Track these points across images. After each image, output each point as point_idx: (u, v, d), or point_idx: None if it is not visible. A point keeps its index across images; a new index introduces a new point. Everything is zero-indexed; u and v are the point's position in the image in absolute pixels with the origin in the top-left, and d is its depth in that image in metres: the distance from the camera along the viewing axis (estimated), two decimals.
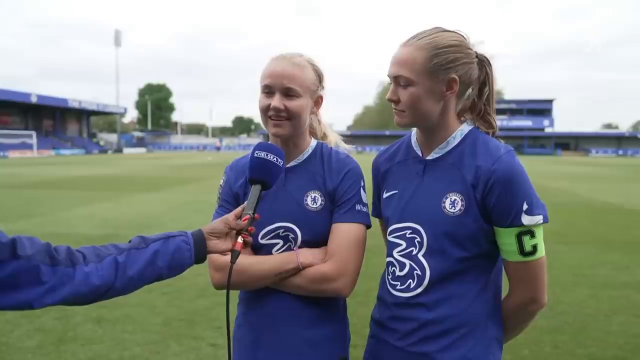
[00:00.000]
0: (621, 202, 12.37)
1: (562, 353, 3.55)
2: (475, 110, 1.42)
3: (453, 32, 1.34)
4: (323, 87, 1.53)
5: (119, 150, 65.29)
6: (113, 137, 75.62)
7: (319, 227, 1.45)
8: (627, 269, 5.93)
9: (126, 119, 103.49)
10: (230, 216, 1.27)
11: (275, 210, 1.47)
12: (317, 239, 1.46)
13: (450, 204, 1.31)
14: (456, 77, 1.32)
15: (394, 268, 1.41)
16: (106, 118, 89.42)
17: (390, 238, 1.43)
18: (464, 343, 1.31)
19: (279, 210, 1.47)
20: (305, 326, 1.44)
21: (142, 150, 72.23)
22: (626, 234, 8.13)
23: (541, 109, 78.97)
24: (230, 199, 1.54)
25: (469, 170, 1.30)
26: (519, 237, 1.26)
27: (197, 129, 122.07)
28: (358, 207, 1.46)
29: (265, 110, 1.45)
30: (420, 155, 1.42)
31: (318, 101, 1.53)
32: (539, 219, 1.25)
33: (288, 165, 1.51)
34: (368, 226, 1.48)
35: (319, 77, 1.51)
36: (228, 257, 1.39)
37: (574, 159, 55.91)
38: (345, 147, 1.66)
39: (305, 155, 1.52)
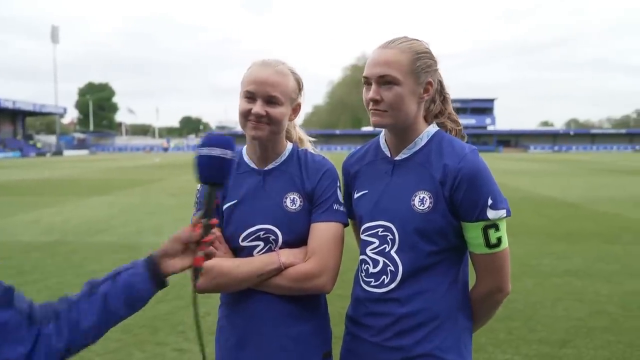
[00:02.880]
0: (560, 196, 13.18)
1: (515, 338, 3.77)
2: (444, 113, 1.51)
3: (421, 41, 1.44)
4: (301, 95, 1.58)
5: (58, 152, 62.09)
6: (52, 139, 71.80)
7: (299, 227, 1.49)
8: (568, 258, 6.34)
9: (66, 120, 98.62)
10: (182, 230, 1.16)
11: (255, 212, 1.49)
12: (298, 239, 1.50)
13: (419, 202, 1.38)
14: (432, 81, 1.42)
15: (367, 265, 1.46)
16: (44, 119, 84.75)
17: (363, 236, 1.48)
18: (437, 335, 1.37)
19: (259, 212, 1.49)
20: (289, 324, 1.47)
21: (84, 152, 69.12)
22: (566, 225, 8.68)
23: (484, 107, 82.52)
24: None
25: (436, 168, 1.37)
26: (485, 230, 1.34)
27: (143, 130, 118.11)
28: (335, 206, 1.50)
29: (245, 115, 1.47)
30: (389, 155, 1.48)
31: (296, 108, 1.58)
32: (502, 213, 1.34)
33: (266, 168, 1.54)
34: (345, 224, 1.53)
35: (299, 86, 1.56)
36: (209, 262, 1.36)
37: (514, 155, 58.81)
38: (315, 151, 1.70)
39: (283, 158, 1.56)
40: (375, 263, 1.43)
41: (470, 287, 1.49)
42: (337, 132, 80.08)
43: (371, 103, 1.39)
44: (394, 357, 1.38)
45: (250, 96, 1.47)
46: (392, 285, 1.39)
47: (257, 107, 1.44)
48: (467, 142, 1.47)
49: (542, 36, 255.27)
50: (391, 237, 1.40)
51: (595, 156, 51.55)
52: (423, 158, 1.41)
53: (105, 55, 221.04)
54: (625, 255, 6.44)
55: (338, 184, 1.54)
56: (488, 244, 1.35)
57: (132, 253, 6.61)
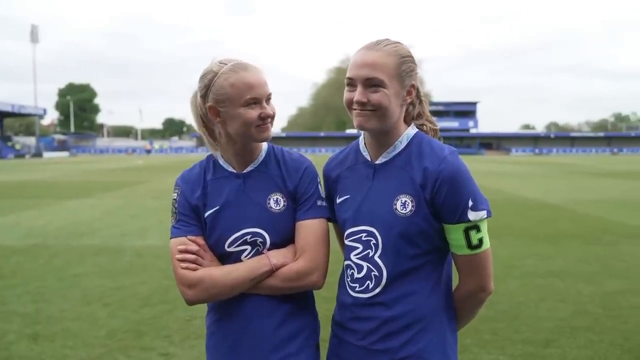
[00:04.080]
0: (542, 198, 13.39)
1: (500, 339, 3.81)
2: (422, 115, 1.53)
3: (403, 44, 1.44)
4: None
5: (38, 154, 60.94)
6: (31, 141, 70.35)
7: (285, 227, 1.49)
8: (550, 259, 6.44)
9: (46, 121, 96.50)
10: None
11: (240, 217, 1.48)
12: (284, 239, 1.49)
13: (401, 205, 1.38)
14: (415, 84, 1.43)
15: (352, 271, 1.46)
16: (23, 120, 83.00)
17: (347, 242, 1.48)
18: (422, 336, 1.38)
19: (244, 216, 1.48)
20: (281, 322, 1.47)
21: (64, 154, 67.93)
22: (548, 227, 8.82)
23: (466, 110, 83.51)
24: (189, 212, 1.50)
25: (417, 171, 1.37)
26: (466, 232, 1.35)
27: (125, 132, 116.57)
28: (319, 202, 1.51)
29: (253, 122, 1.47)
30: (370, 159, 1.48)
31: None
32: (483, 214, 1.35)
33: (245, 171, 1.52)
34: (329, 218, 1.54)
35: None
36: (199, 273, 1.42)
37: (496, 157, 59.58)
38: None
39: (261, 159, 1.54)
40: (360, 268, 1.43)
41: (453, 288, 1.50)
42: (322, 134, 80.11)
43: (355, 104, 1.38)
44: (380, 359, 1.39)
45: (255, 102, 1.45)
46: (377, 290, 1.40)
47: (268, 110, 1.47)
48: (445, 144, 1.48)
49: (522, 41, 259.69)
50: (374, 241, 1.41)
51: (575, 159, 52.53)
52: (403, 161, 1.41)
53: (86, 55, 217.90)
54: (606, 256, 6.57)
55: (318, 180, 1.55)
56: (470, 245, 1.37)
57: (116, 256, 6.52)
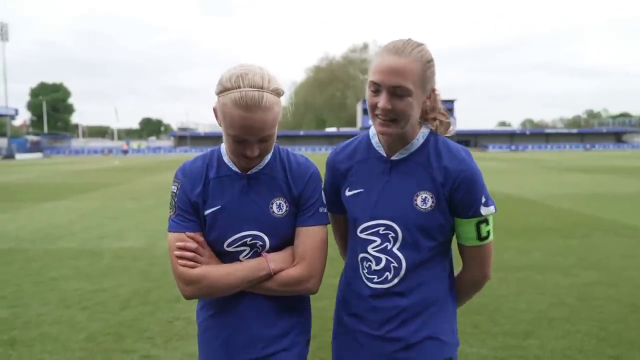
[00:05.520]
0: (517, 193, 13.64)
1: (481, 332, 3.88)
2: (435, 109, 1.54)
3: (425, 45, 1.43)
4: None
5: (10, 155, 59.28)
6: (2, 142, 68.41)
7: (285, 231, 1.50)
8: (528, 253, 6.58)
9: (18, 122, 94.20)
10: None
11: (242, 219, 1.47)
12: (284, 243, 1.51)
13: (422, 201, 1.46)
14: (435, 88, 1.48)
15: (369, 263, 1.50)
16: None
17: (362, 235, 1.51)
18: (433, 321, 1.48)
19: (246, 219, 1.47)
20: (275, 318, 1.49)
21: (38, 155, 66.33)
22: (525, 221, 9.00)
23: (445, 108, 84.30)
24: (188, 208, 1.48)
25: (437, 170, 1.45)
26: (478, 225, 1.47)
27: (101, 132, 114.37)
28: (321, 209, 1.52)
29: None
30: (385, 155, 1.51)
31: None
32: (492, 209, 1.48)
33: (250, 172, 1.50)
34: (328, 223, 1.56)
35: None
36: (198, 271, 1.43)
37: (474, 154, 59.56)
38: None
39: (266, 161, 1.51)
40: (378, 260, 1.49)
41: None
42: (301, 133, 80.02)
43: (379, 110, 1.38)
44: (395, 347, 1.47)
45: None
46: (396, 280, 1.47)
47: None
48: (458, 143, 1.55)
49: (495, 40, 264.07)
50: (393, 235, 1.47)
51: (550, 155, 53.69)
52: (421, 159, 1.48)
53: (59, 54, 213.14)
54: (581, 249, 6.74)
55: (322, 185, 1.55)
56: (480, 237, 1.48)
57: (94, 259, 6.40)
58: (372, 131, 1.56)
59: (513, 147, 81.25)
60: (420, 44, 1.42)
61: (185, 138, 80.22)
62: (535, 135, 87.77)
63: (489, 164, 32.06)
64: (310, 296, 1.61)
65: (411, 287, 1.47)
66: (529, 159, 39.77)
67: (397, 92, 1.37)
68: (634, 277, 5.34)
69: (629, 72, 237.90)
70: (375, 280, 1.50)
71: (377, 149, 1.53)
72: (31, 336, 3.88)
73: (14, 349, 3.66)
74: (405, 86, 1.36)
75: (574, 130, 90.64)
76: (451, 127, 1.57)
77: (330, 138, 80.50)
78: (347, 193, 1.55)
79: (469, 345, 3.65)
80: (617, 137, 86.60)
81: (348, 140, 1.63)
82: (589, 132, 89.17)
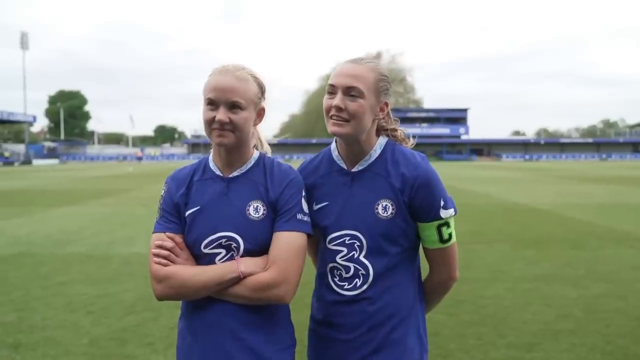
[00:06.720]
0: (529, 203, 13.48)
1: (484, 344, 3.82)
2: (395, 130, 1.65)
3: (381, 65, 1.58)
4: (265, 99, 1.58)
5: (27, 162, 60.44)
6: (20, 148, 69.81)
7: (262, 236, 1.48)
8: (537, 263, 6.48)
9: (35, 128, 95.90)
10: None
11: (218, 219, 1.48)
12: (260, 248, 1.48)
13: (382, 209, 1.51)
14: (387, 102, 1.56)
15: (339, 271, 1.56)
16: (12, 127, 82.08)
17: (330, 246, 1.57)
18: (403, 324, 1.53)
19: (222, 219, 1.48)
20: (249, 332, 1.45)
21: (54, 161, 67.43)
22: (535, 231, 8.88)
23: (457, 117, 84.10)
24: (171, 209, 1.54)
25: (395, 177, 1.51)
26: (439, 228, 1.52)
27: (116, 139, 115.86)
28: (299, 216, 1.49)
29: (209, 123, 1.48)
30: (345, 167, 1.58)
31: (260, 113, 1.58)
32: (451, 212, 1.53)
33: (231, 175, 1.54)
34: (309, 234, 1.52)
35: (261, 90, 1.56)
36: (170, 269, 1.44)
37: (487, 163, 59.99)
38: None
39: (249, 166, 1.56)
40: (347, 269, 1.54)
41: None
42: (314, 141, 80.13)
43: (333, 110, 1.49)
44: (365, 351, 1.51)
45: (212, 103, 1.47)
46: (365, 287, 1.52)
47: (221, 115, 1.45)
48: (415, 150, 1.62)
49: (510, 49, 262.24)
50: (358, 244, 1.52)
51: (564, 164, 53.02)
52: (380, 168, 1.54)
53: (76, 62, 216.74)
54: (591, 260, 6.62)
55: (303, 194, 1.54)
56: (442, 240, 1.54)
57: (103, 264, 6.47)
58: (333, 145, 1.64)
59: (527, 157, 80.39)
60: (376, 61, 1.57)
61: (199, 145, 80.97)
62: (549, 144, 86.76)
63: (501, 173, 31.75)
64: (291, 309, 1.58)
65: (379, 293, 1.52)
66: (543, 169, 39.29)
67: (350, 93, 1.47)
68: None
69: None
70: (345, 287, 1.54)
71: (338, 162, 1.60)
72: (35, 339, 3.92)
73: (18, 352, 3.70)
74: (358, 87, 1.47)
75: (590, 140, 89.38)
76: (411, 140, 1.65)
77: None
78: (315, 207, 1.59)
79: (470, 357, 3.60)
80: (635, 147, 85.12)
81: (313, 156, 1.70)
82: (605, 141, 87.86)
